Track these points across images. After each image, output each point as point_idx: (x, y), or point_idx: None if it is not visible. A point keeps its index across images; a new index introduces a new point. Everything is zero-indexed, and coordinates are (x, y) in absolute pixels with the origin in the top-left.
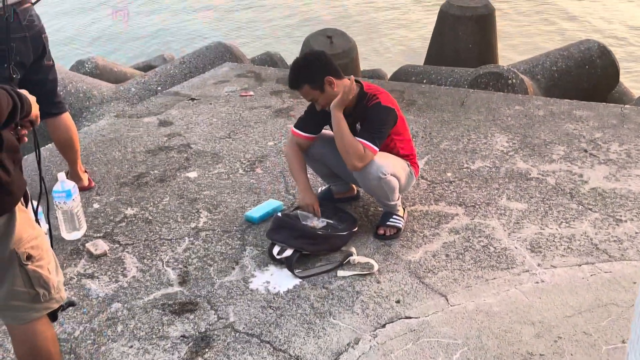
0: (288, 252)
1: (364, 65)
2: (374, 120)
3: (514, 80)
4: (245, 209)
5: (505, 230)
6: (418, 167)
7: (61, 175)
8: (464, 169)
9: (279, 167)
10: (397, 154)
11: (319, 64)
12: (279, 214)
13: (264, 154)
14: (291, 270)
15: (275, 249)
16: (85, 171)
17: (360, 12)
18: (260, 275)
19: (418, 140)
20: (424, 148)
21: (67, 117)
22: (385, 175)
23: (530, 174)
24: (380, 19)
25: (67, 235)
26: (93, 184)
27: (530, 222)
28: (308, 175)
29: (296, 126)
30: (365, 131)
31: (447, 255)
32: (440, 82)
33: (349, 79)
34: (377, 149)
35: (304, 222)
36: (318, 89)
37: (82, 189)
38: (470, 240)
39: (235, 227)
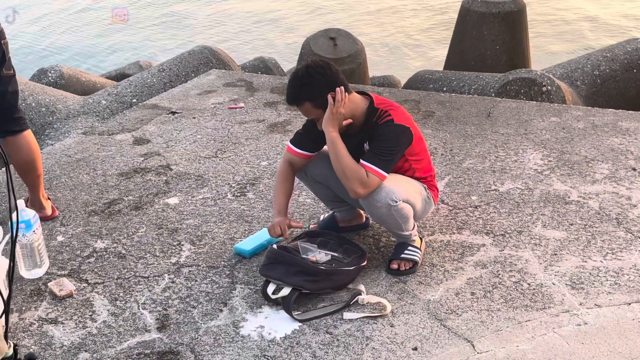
0: (285, 291)
1: (373, 71)
2: (384, 140)
3: (549, 87)
4: (235, 240)
5: (540, 264)
6: (437, 190)
7: (20, 203)
8: (492, 192)
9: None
10: (412, 177)
11: (324, 78)
12: (274, 246)
13: (256, 175)
14: (289, 312)
15: (270, 288)
16: (49, 198)
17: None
18: (253, 319)
19: (437, 158)
20: (444, 167)
21: (29, 135)
22: (397, 202)
23: (569, 197)
24: (392, 19)
25: (27, 273)
26: (57, 212)
27: (570, 254)
28: (309, 199)
29: (292, 141)
30: (373, 153)
31: (472, 294)
32: (463, 90)
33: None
34: (386, 175)
35: (303, 256)
36: (321, 107)
37: (44, 219)
38: (500, 276)
39: (223, 262)
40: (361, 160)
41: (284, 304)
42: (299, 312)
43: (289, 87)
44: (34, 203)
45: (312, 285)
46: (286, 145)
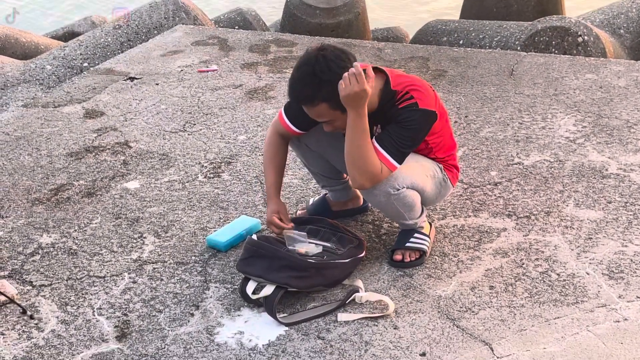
0: (267, 290)
1: (375, 23)
2: (406, 128)
3: (585, 38)
4: (208, 231)
5: (572, 250)
6: (458, 170)
7: None
8: (514, 166)
9: (253, 170)
10: (427, 156)
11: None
12: (254, 237)
13: (232, 152)
14: (273, 314)
15: (250, 286)
16: None
17: None
18: (230, 324)
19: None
20: (458, 137)
21: None
22: (398, 190)
23: (607, 170)
24: None
25: None
26: None
27: (607, 237)
28: (295, 179)
29: (286, 109)
30: (390, 139)
31: (491, 288)
32: (483, 44)
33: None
34: (398, 166)
35: (290, 247)
36: (338, 108)
37: None
38: (524, 265)
39: (194, 257)
40: (374, 142)
41: (267, 305)
42: (285, 315)
43: (300, 83)
44: None
45: (299, 282)
46: (278, 112)
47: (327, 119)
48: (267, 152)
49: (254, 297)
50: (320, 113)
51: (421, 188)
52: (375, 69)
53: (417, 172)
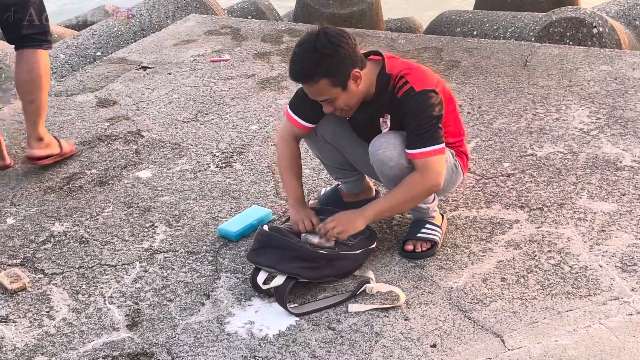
0: (278, 280)
1: (388, 13)
2: (415, 117)
3: (600, 29)
4: (219, 220)
5: (585, 242)
6: (468, 157)
7: None
8: (528, 157)
9: (265, 159)
10: None
11: (348, 49)
12: (265, 227)
13: (244, 142)
14: (283, 304)
15: (261, 277)
16: (55, 138)
17: None
18: (241, 314)
19: (462, 117)
20: (471, 128)
21: (33, 55)
22: None
23: (621, 162)
24: None
25: None
26: (70, 149)
27: (621, 230)
28: (307, 169)
29: (292, 106)
30: (413, 136)
31: (503, 279)
32: (497, 34)
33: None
34: (441, 145)
35: (303, 237)
36: (340, 85)
37: (33, 159)
38: (537, 257)
39: (205, 247)
40: (407, 152)
41: (277, 295)
42: (295, 305)
43: (300, 59)
44: (28, 139)
45: (310, 272)
46: (283, 107)
47: (328, 97)
48: (284, 155)
49: (265, 287)
50: (321, 90)
51: None
52: (372, 53)
53: None
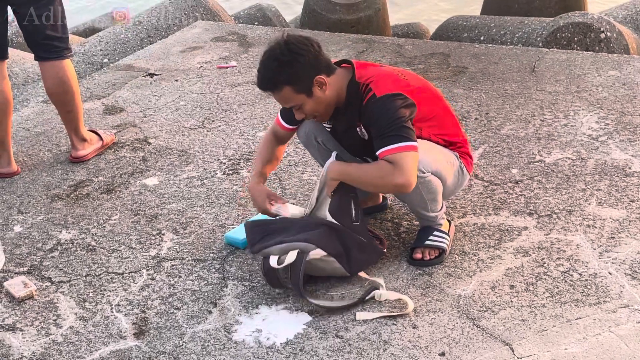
0: (291, 257)
1: (395, 19)
2: (377, 119)
3: (608, 34)
4: (226, 228)
5: (594, 249)
6: (471, 159)
7: None
8: (536, 163)
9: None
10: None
11: (308, 56)
12: (250, 221)
13: (251, 149)
14: (299, 285)
15: (273, 260)
16: (96, 132)
17: None
18: (248, 321)
19: (470, 123)
20: (478, 134)
21: (58, 65)
22: (424, 173)
23: (630, 168)
24: None
25: None
26: (110, 139)
27: (630, 237)
28: (315, 175)
29: (281, 109)
30: (380, 137)
31: (512, 287)
32: (504, 40)
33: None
34: (413, 143)
35: (275, 212)
36: (304, 91)
37: (78, 158)
38: (545, 265)
39: (212, 254)
40: (377, 153)
41: (292, 276)
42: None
43: (263, 69)
44: (72, 141)
45: (318, 238)
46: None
47: (295, 104)
48: (258, 148)
49: (280, 266)
50: (286, 98)
51: (444, 176)
52: (344, 62)
53: (441, 159)
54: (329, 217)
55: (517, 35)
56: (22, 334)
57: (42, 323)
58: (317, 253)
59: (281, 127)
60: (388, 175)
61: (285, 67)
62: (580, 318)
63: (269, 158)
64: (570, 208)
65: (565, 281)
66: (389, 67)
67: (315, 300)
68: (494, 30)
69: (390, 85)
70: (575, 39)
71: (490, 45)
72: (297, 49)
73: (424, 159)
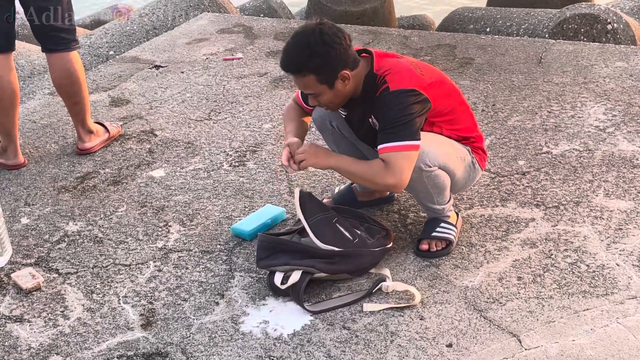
0: (295, 277)
1: (400, 10)
2: (386, 112)
3: (615, 25)
4: (233, 219)
5: (602, 241)
6: (485, 154)
7: None
8: (543, 155)
9: (279, 158)
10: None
11: (340, 49)
12: (265, 234)
13: (257, 141)
14: (299, 301)
15: (277, 278)
16: (102, 124)
17: None
18: (255, 313)
19: (477, 115)
20: (485, 126)
21: (65, 57)
22: (430, 167)
23: (637, 159)
24: None
25: None
26: (117, 131)
27: (638, 228)
28: None
29: (302, 93)
30: (383, 132)
31: (519, 279)
32: (510, 31)
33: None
34: (414, 142)
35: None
36: (326, 83)
37: (84, 150)
38: (553, 256)
39: (219, 246)
40: (377, 148)
41: (294, 293)
42: (311, 303)
43: (292, 51)
44: (78, 133)
45: (326, 266)
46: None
47: (313, 92)
48: (285, 115)
49: (283, 287)
50: (307, 85)
51: (452, 170)
52: (364, 51)
53: (450, 152)
54: (331, 247)
55: (523, 26)
56: (30, 325)
57: (49, 314)
58: (322, 274)
59: (301, 104)
60: (380, 175)
61: (315, 57)
62: (587, 309)
63: (298, 118)
64: (577, 199)
65: (573, 272)
66: (408, 58)
67: (318, 307)
68: (500, 22)
69: (406, 80)
70: (582, 30)
71: (497, 36)
72: (331, 41)
73: (432, 153)
